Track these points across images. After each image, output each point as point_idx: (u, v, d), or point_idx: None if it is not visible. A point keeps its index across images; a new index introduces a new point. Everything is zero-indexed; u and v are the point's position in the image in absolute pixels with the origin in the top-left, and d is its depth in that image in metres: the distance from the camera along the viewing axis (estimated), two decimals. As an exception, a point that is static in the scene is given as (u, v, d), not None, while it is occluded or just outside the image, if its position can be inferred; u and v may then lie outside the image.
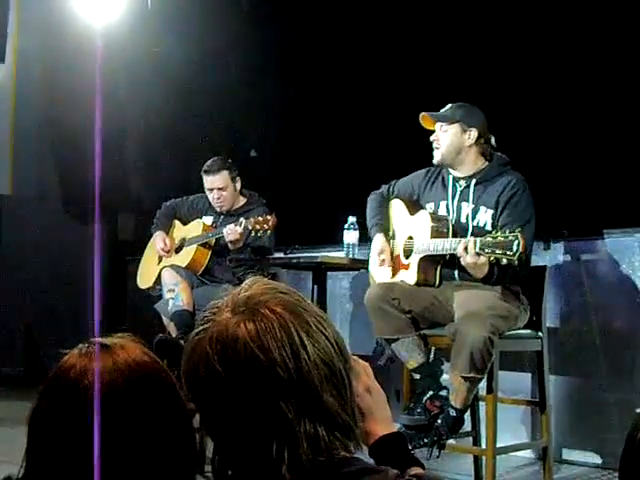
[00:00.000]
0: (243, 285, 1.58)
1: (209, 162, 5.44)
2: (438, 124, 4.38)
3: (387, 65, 6.08)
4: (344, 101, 6.32)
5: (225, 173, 5.39)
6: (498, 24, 5.47)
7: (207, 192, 5.46)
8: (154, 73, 7.24)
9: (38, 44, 7.63)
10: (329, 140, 6.45)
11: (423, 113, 4.41)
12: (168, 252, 5.55)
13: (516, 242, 3.74)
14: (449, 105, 4.40)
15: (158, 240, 5.60)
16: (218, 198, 5.41)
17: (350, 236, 4.96)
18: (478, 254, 3.89)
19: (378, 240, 4.54)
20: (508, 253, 3.76)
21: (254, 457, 1.46)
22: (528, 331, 4.31)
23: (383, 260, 4.50)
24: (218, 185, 5.39)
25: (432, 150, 4.41)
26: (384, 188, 4.70)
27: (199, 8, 7.08)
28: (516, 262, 3.79)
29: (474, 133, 4.33)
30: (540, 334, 4.34)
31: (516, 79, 5.32)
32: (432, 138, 4.39)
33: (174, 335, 5.10)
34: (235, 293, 1.56)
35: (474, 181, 4.33)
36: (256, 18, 7.03)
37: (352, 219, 4.97)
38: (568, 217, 5.04)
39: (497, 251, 3.79)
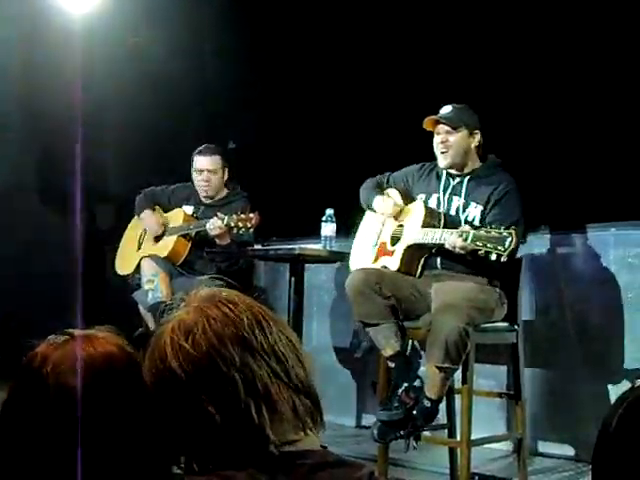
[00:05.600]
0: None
1: (204, 145, 5.52)
2: (444, 127, 4.37)
3: (369, 59, 6.08)
4: (323, 94, 6.32)
5: (218, 158, 5.48)
6: (484, 20, 5.49)
7: (195, 174, 5.49)
8: (133, 63, 7.22)
9: (16, 33, 7.58)
10: (307, 133, 6.46)
11: (430, 117, 4.38)
12: (163, 224, 5.53)
13: (509, 239, 3.77)
14: (449, 108, 4.38)
15: (149, 216, 5.60)
16: (206, 181, 5.45)
17: (327, 228, 4.97)
18: (467, 245, 3.93)
19: (380, 198, 4.57)
20: (499, 248, 3.78)
21: (238, 429, 1.47)
22: (503, 324, 4.34)
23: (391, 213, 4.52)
24: (209, 167, 5.45)
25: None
26: (378, 177, 4.71)
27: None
28: (505, 258, 3.81)
29: (479, 137, 4.39)
30: (515, 327, 4.36)
31: (499, 74, 5.34)
32: (439, 141, 4.36)
33: (150, 325, 5.12)
34: (193, 293, 1.59)
35: (467, 178, 4.38)
36: (236, 9, 7.01)
37: (330, 211, 4.98)
38: (544, 211, 5.07)
39: (488, 244, 3.82)
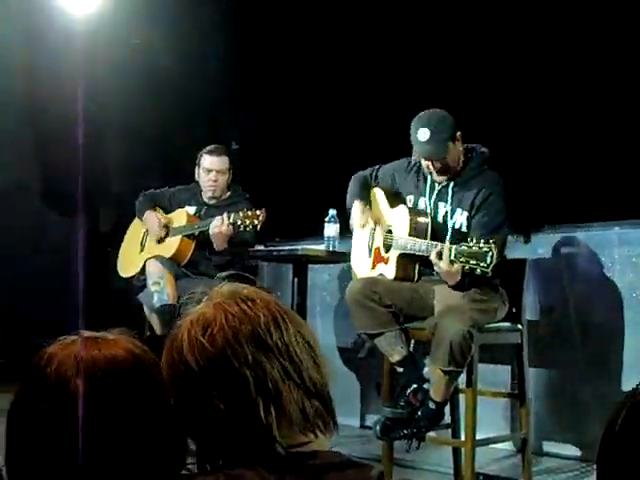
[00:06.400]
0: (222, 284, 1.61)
1: (213, 145, 5.53)
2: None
3: (367, 59, 6.09)
4: (325, 95, 6.32)
5: (226, 158, 5.50)
6: (472, 18, 5.49)
7: (203, 174, 5.49)
8: (135, 64, 7.22)
9: (18, 33, 7.58)
10: (310, 133, 6.46)
11: (428, 163, 4.26)
12: (166, 226, 5.52)
13: (490, 254, 3.77)
14: (427, 133, 4.17)
15: (151, 218, 5.58)
16: (214, 181, 5.46)
17: (331, 229, 4.98)
18: (452, 262, 3.92)
19: (358, 206, 4.54)
20: (482, 264, 3.79)
21: (245, 427, 1.47)
22: (507, 324, 4.34)
23: (363, 225, 4.52)
24: (218, 167, 5.46)
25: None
26: (367, 172, 4.68)
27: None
28: (490, 274, 3.81)
29: (460, 137, 4.29)
30: (519, 327, 4.37)
31: (495, 72, 5.33)
32: (435, 170, 4.25)
33: (155, 326, 5.14)
34: (216, 289, 1.59)
35: (452, 183, 4.31)
36: (239, 10, 7.02)
37: (333, 212, 4.99)
38: (548, 210, 5.06)
39: (471, 261, 3.82)
